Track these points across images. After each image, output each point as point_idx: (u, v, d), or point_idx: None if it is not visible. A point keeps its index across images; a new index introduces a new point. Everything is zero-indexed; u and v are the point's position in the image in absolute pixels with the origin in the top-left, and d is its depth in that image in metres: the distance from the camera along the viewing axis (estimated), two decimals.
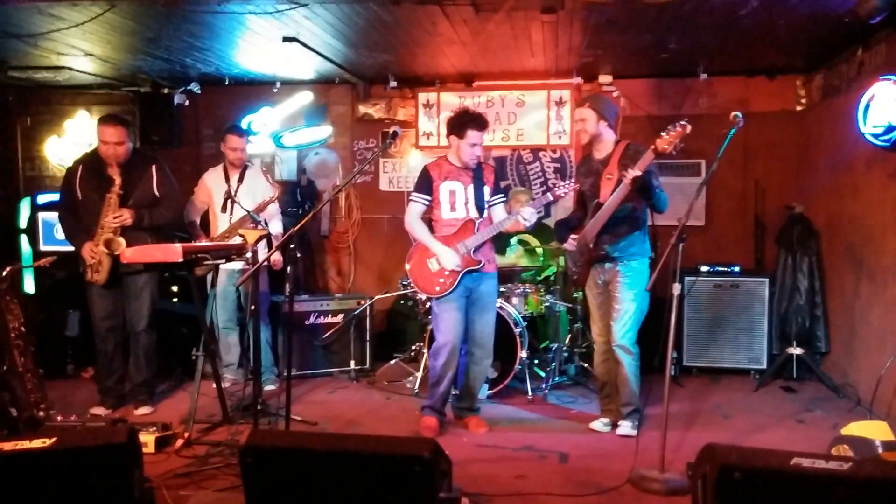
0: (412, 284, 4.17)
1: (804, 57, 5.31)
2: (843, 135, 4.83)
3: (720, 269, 5.40)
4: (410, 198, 4.16)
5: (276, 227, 4.93)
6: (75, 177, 4.37)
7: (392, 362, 5.54)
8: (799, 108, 5.82)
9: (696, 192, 3.40)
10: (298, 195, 6.17)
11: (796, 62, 5.48)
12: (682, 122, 3.45)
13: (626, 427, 3.96)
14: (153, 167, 4.45)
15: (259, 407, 3.69)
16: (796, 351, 5.15)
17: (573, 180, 3.95)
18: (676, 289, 3.19)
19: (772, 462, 2.39)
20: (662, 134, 3.49)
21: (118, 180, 4.21)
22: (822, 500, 2.29)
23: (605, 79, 5.91)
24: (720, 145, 3.25)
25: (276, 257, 4.76)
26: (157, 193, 4.44)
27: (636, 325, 3.90)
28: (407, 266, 4.15)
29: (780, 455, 2.44)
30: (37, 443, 2.67)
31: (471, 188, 4.05)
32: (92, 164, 4.39)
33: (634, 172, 3.57)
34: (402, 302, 5.85)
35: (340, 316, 5.42)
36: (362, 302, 5.50)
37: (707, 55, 5.27)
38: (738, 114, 3.22)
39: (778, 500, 2.35)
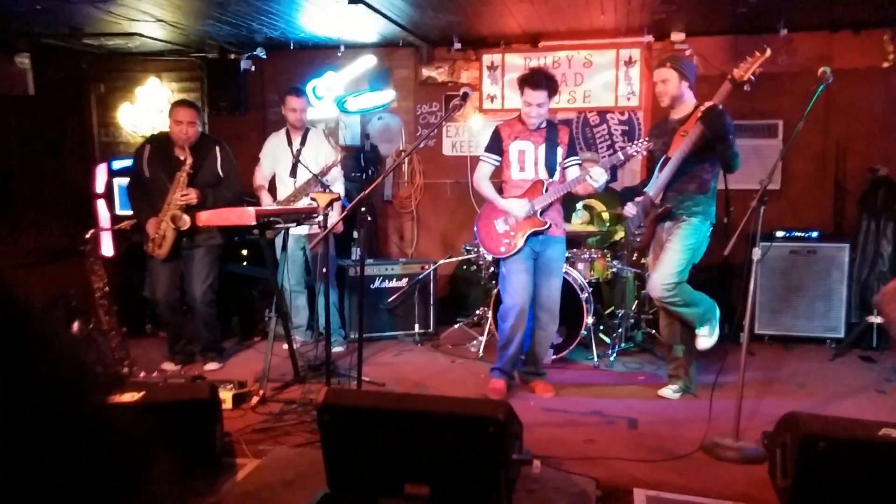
0: (479, 244, 4.16)
1: (894, 9, 4.98)
2: None
3: (797, 234, 5.20)
4: (480, 157, 4.12)
5: (338, 190, 4.97)
6: (143, 155, 4.53)
7: (455, 326, 5.58)
8: (886, 64, 5.46)
9: (779, 153, 3.28)
10: (362, 160, 6.21)
11: (885, 15, 5.14)
12: (760, 48, 3.29)
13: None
14: (217, 148, 4.59)
15: (329, 367, 3.78)
16: (877, 320, 4.94)
17: (646, 139, 3.81)
18: (756, 254, 3.09)
19: (858, 432, 2.31)
20: (740, 64, 3.34)
21: (189, 160, 4.34)
22: None
23: (677, 36, 5.69)
24: (802, 104, 3.09)
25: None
26: (220, 173, 4.57)
27: (677, 276, 3.71)
28: (475, 226, 4.14)
29: (866, 425, 2.35)
30: (126, 397, 2.81)
31: (542, 148, 3.98)
32: (160, 144, 4.55)
33: (709, 102, 3.43)
34: (465, 267, 5.87)
35: (405, 280, 5.47)
36: (426, 266, 5.53)
37: (788, 9, 5.00)
38: (828, 69, 3.04)
39: (864, 471, 2.28)
